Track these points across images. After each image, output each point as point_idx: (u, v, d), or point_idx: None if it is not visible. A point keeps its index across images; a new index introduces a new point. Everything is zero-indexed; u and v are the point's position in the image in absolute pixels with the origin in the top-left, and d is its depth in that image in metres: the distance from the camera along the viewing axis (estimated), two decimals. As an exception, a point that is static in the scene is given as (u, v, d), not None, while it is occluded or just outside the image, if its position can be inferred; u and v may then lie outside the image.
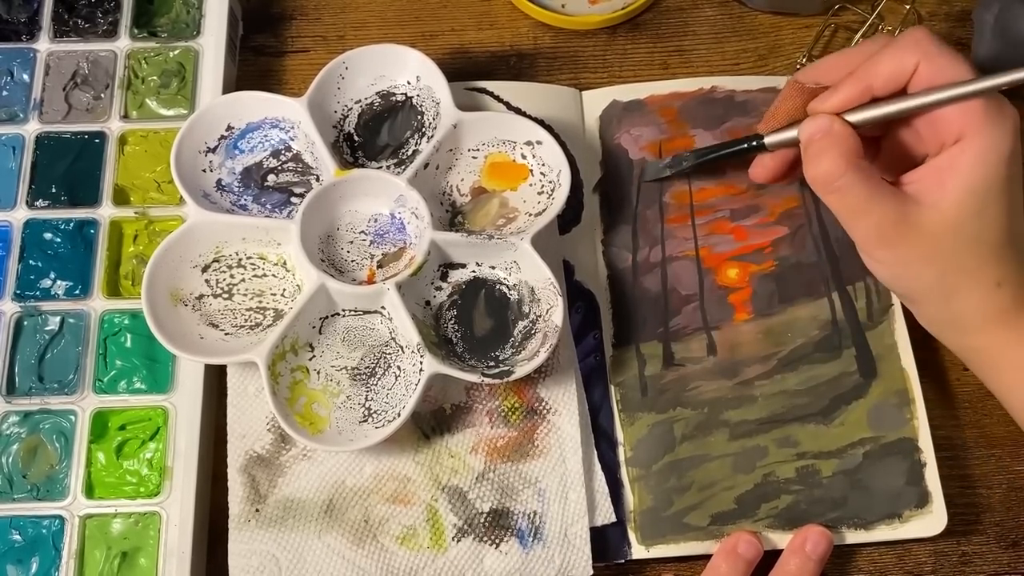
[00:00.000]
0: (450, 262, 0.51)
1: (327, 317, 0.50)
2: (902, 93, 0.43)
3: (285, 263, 0.51)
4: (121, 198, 0.53)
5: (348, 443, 0.46)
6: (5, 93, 0.55)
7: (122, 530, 0.48)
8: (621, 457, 0.51)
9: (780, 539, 0.49)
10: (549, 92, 0.57)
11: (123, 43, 0.57)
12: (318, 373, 0.49)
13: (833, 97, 0.44)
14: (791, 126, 0.47)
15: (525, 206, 0.51)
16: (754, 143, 0.48)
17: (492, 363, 0.48)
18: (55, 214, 0.53)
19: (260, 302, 0.50)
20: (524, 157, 0.52)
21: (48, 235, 0.52)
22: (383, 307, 0.49)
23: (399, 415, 0.46)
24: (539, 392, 0.50)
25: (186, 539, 0.47)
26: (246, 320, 0.49)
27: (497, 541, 0.48)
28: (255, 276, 0.51)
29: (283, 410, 0.46)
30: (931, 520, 0.49)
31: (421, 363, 0.47)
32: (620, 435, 0.51)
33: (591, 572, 0.47)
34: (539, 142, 0.52)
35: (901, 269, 0.44)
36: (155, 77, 0.56)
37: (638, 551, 0.49)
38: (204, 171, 0.51)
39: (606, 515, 0.49)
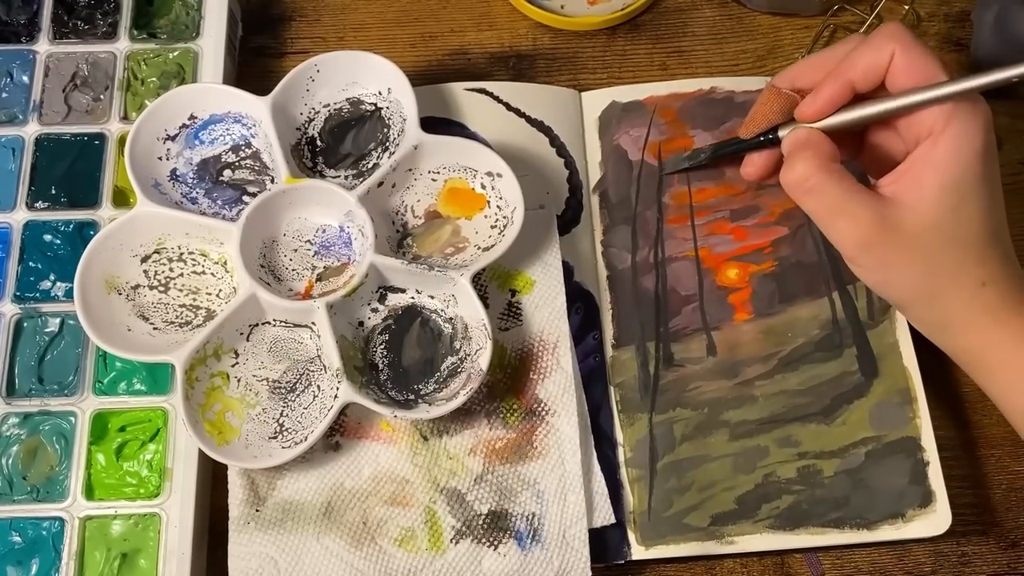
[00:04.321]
0: (390, 285, 0.50)
1: (256, 325, 0.49)
2: (881, 91, 0.44)
3: (225, 263, 0.51)
4: (121, 200, 0.53)
5: (252, 459, 0.46)
6: (5, 95, 0.56)
7: (122, 531, 0.48)
8: (621, 458, 0.50)
9: (781, 540, 0.49)
10: (548, 93, 0.57)
11: (123, 44, 0.57)
12: (238, 381, 0.48)
13: (817, 98, 0.44)
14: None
15: (476, 238, 0.51)
16: (770, 137, 0.48)
17: (412, 396, 0.48)
18: (55, 216, 0.53)
19: (194, 300, 0.50)
20: (483, 187, 0.52)
21: (48, 237, 0.53)
22: (313, 322, 0.49)
23: (306, 438, 0.46)
24: (538, 394, 0.50)
25: (186, 540, 0.47)
26: (177, 316, 0.49)
27: (495, 543, 0.47)
28: (194, 272, 0.50)
29: (193, 417, 0.46)
30: (935, 519, 0.49)
31: (337, 389, 0.47)
32: (620, 436, 0.51)
33: (589, 574, 0.47)
34: (500, 175, 0.51)
35: (884, 274, 0.44)
36: (155, 78, 0.56)
37: (638, 552, 0.49)
38: (160, 159, 0.51)
39: (605, 516, 0.49)
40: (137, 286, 0.50)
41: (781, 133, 0.47)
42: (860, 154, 0.48)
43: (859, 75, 0.43)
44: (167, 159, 0.52)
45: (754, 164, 0.50)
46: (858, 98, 0.44)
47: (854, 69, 0.43)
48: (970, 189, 0.42)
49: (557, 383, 0.50)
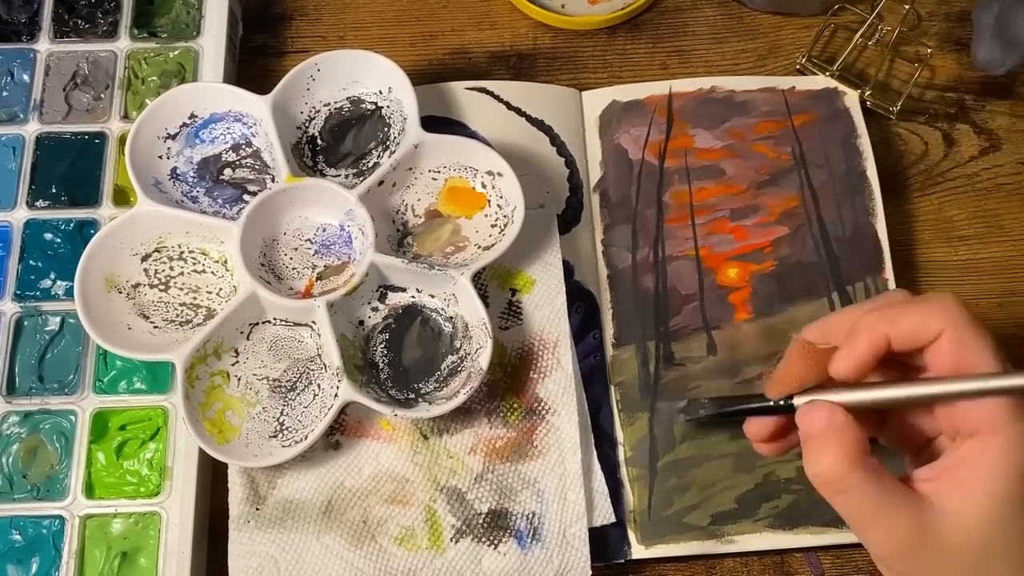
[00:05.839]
0: (390, 284, 0.50)
1: (257, 323, 0.49)
2: (916, 370, 0.38)
3: (226, 262, 0.51)
4: (121, 198, 0.53)
5: (253, 458, 0.46)
6: (5, 94, 0.56)
7: (122, 530, 0.48)
8: (621, 457, 0.50)
9: (781, 539, 0.49)
10: (549, 92, 0.57)
11: (123, 43, 0.57)
12: (238, 380, 0.48)
13: (848, 355, 0.38)
14: (812, 391, 0.39)
15: (476, 237, 0.51)
16: (781, 403, 0.40)
17: (412, 394, 0.48)
18: (55, 214, 0.53)
19: (195, 298, 0.50)
20: (484, 186, 0.52)
21: (48, 235, 0.53)
22: (313, 321, 0.49)
23: (306, 437, 0.46)
24: (538, 392, 0.50)
25: (186, 539, 0.47)
26: (177, 315, 0.49)
27: (495, 542, 0.48)
28: (194, 271, 0.50)
29: (193, 415, 0.46)
30: (931, 520, 0.49)
31: (337, 387, 0.47)
32: (620, 435, 0.51)
33: (589, 573, 0.47)
34: (500, 174, 0.51)
35: None
36: (155, 77, 0.56)
37: (638, 551, 0.49)
38: (161, 157, 0.51)
39: (605, 515, 0.49)
40: (137, 285, 0.50)
41: (797, 401, 0.40)
42: (883, 431, 0.42)
43: (900, 334, 0.37)
44: (167, 158, 0.52)
45: (760, 428, 0.43)
46: (892, 356, 0.38)
47: (896, 326, 0.37)
48: (1022, 501, 0.36)
49: (557, 382, 0.50)
